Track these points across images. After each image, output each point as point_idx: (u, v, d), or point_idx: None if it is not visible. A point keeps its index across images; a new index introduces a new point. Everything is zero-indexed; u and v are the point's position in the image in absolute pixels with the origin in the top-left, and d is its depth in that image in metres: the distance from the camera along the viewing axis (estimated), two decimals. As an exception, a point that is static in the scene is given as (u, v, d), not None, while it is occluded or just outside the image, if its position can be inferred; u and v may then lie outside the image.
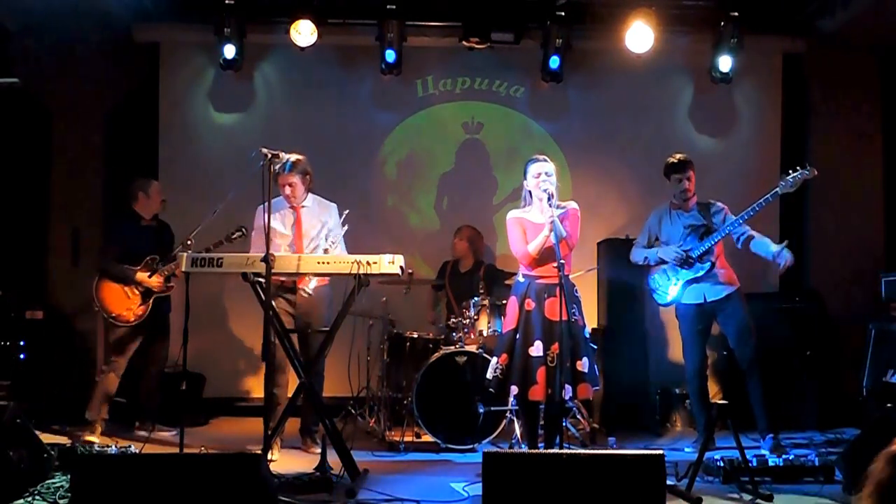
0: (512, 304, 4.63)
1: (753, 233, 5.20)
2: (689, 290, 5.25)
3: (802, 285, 6.79)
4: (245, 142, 6.57)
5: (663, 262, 5.32)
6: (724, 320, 5.26)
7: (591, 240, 6.77)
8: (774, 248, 5.05)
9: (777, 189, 4.93)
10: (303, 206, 5.20)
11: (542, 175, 4.55)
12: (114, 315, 5.40)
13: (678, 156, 5.38)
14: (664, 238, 5.39)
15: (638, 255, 5.47)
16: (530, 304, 4.52)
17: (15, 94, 6.87)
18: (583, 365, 4.44)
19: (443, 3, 6.75)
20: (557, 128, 7.12)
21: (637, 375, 6.18)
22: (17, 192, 6.83)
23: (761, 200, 4.98)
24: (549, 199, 4.46)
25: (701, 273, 5.18)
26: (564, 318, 4.24)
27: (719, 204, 5.35)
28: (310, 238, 5.12)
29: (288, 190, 5.11)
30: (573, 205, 4.68)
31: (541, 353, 4.41)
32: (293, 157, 5.05)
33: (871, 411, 5.44)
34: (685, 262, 5.20)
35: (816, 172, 4.89)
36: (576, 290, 4.62)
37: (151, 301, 5.45)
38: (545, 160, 4.64)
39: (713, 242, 5.16)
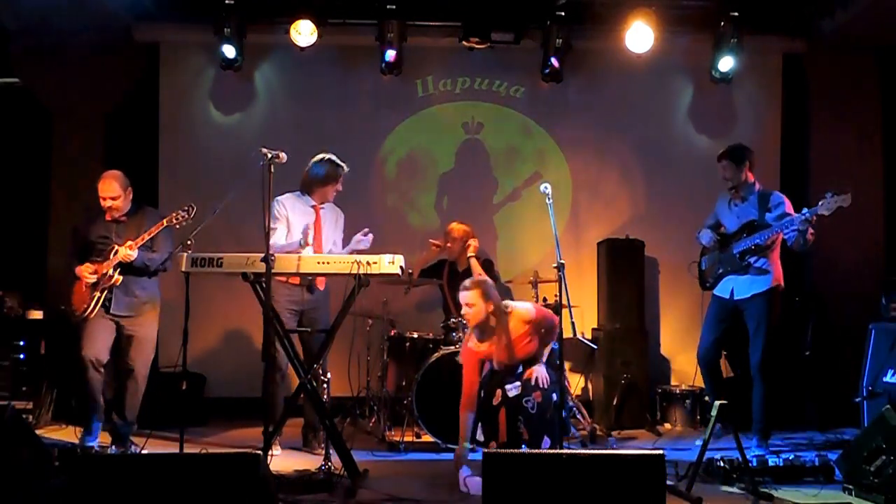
0: None
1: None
2: (723, 282, 5.25)
3: (802, 286, 6.79)
4: (245, 142, 6.59)
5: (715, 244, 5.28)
6: (746, 319, 5.20)
7: (591, 240, 6.79)
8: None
9: (817, 209, 4.68)
10: (322, 207, 5.28)
11: (462, 309, 4.62)
12: (73, 309, 5.09)
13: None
14: (725, 224, 5.34)
15: (703, 237, 5.40)
16: None
17: (15, 94, 6.88)
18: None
19: (443, 3, 6.74)
20: (557, 128, 7.11)
21: (637, 375, 6.18)
22: (17, 192, 6.83)
23: (810, 211, 4.73)
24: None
25: (737, 268, 5.14)
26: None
27: (779, 196, 5.16)
28: (327, 238, 5.24)
29: (334, 194, 5.27)
30: (525, 315, 4.59)
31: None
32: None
33: (870, 412, 5.44)
34: (723, 254, 5.18)
35: (849, 201, 4.66)
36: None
37: (99, 293, 4.99)
38: (463, 288, 4.58)
39: (753, 243, 5.04)
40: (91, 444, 5.01)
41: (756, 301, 5.10)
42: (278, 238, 5.02)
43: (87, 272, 5.02)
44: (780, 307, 5.17)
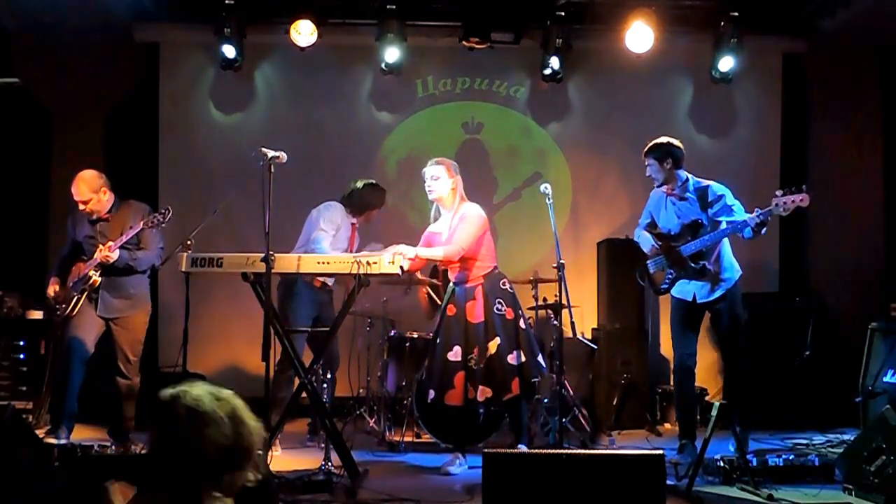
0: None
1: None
2: (679, 285, 4.94)
3: (802, 285, 6.79)
4: (245, 142, 6.57)
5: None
6: (713, 322, 5.03)
7: (591, 240, 6.79)
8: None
9: (771, 210, 4.44)
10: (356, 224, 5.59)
11: (427, 182, 4.73)
12: (54, 308, 5.09)
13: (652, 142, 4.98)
14: (661, 224, 5.01)
15: (636, 235, 5.14)
16: (452, 309, 4.65)
17: (15, 94, 6.88)
18: (514, 358, 4.51)
19: (443, 3, 6.75)
20: (557, 128, 7.11)
21: (637, 375, 6.17)
22: (17, 192, 6.82)
23: (763, 213, 4.48)
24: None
25: (691, 273, 4.82)
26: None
27: (716, 188, 4.84)
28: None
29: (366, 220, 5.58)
30: (468, 209, 4.69)
31: (459, 359, 4.52)
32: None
33: (871, 411, 5.44)
34: (672, 260, 4.83)
35: (808, 201, 4.40)
36: (503, 284, 4.64)
37: (79, 294, 4.94)
38: (432, 163, 4.75)
39: (703, 246, 4.75)
40: (62, 441, 4.85)
41: (724, 302, 4.86)
42: (325, 244, 5.16)
43: (50, 290, 5.06)
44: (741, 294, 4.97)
